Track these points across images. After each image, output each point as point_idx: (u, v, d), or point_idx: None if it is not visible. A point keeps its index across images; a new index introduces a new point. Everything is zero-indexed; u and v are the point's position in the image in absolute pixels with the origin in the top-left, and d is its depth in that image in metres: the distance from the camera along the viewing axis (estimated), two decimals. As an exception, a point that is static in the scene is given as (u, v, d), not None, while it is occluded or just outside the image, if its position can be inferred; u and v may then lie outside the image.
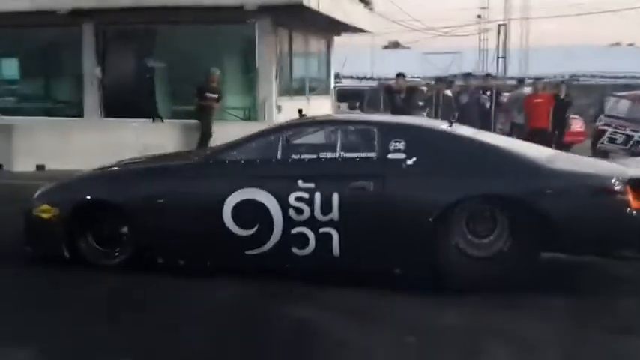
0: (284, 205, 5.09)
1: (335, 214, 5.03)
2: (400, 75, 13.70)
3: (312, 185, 5.08)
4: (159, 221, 5.39)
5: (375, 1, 20.29)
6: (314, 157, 5.29)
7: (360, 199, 5.02)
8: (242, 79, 14.93)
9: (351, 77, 30.17)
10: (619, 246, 4.92)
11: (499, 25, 23.46)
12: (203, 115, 13.15)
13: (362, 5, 18.15)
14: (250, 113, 14.62)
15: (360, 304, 4.67)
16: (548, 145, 11.89)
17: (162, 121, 14.23)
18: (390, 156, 5.11)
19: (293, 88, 16.06)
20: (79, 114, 15.08)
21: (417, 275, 5.08)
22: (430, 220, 4.88)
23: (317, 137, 5.77)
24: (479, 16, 32.30)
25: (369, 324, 4.33)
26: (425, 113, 13.98)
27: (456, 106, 14.34)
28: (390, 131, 5.28)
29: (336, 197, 5.02)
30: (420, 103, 14.10)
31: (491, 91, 15.37)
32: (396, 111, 13.33)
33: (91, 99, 15.02)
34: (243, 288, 4.98)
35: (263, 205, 5.14)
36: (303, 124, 6.08)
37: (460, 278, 4.97)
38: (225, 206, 5.20)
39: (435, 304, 4.69)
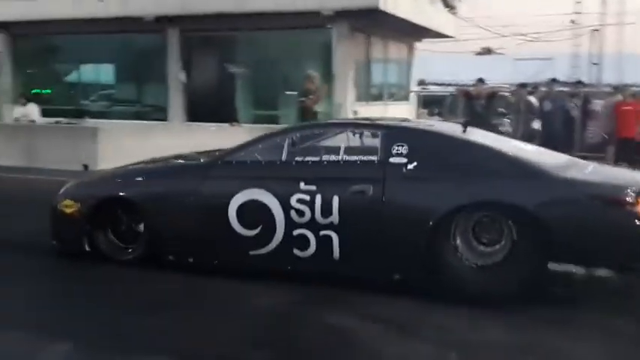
0: (286, 207, 5.05)
1: (335, 217, 4.95)
2: (479, 81, 13.32)
3: (313, 187, 5.02)
4: (168, 219, 5.47)
5: (460, 6, 19.98)
6: (317, 159, 5.27)
7: (360, 202, 4.92)
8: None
9: (437, 84, 29.69)
10: (628, 259, 4.63)
11: (593, 31, 22.39)
12: (305, 118, 13.07)
13: (445, 10, 17.82)
14: (327, 118, 14.60)
15: (403, 314, 4.52)
16: (635, 156, 11.29)
17: (240, 125, 14.47)
18: (391, 160, 4.97)
19: (371, 94, 15.97)
20: (164, 118, 15.64)
21: (417, 282, 4.92)
22: (429, 225, 4.72)
23: (323, 140, 5.68)
24: (572, 22, 30.98)
25: (410, 336, 4.19)
26: (507, 120, 13.51)
27: (540, 113, 13.77)
28: (394, 135, 5.15)
29: (336, 200, 4.94)
30: (501, 110, 13.61)
31: (581, 98, 14.67)
32: (474, 118, 12.94)
33: (176, 103, 15.56)
34: (290, 294, 4.92)
35: (266, 205, 5.12)
36: (310, 126, 6.07)
37: (462, 286, 4.77)
38: (230, 206, 5.21)
39: (481, 317, 4.47)
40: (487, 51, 51.19)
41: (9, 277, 5.34)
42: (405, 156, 4.93)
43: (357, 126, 5.69)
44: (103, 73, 18.17)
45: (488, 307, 4.57)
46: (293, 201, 5.02)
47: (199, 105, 15.25)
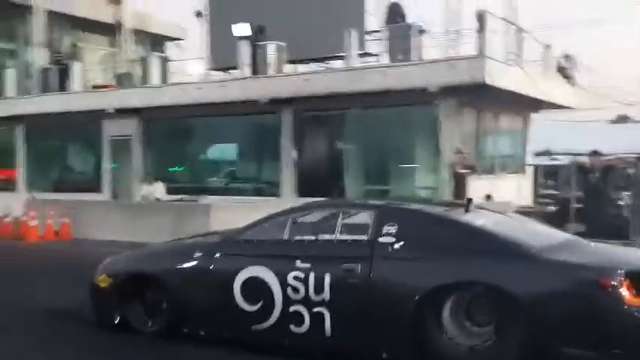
0: (284, 284, 5.22)
1: (326, 294, 5.06)
2: (594, 152, 12.76)
3: (308, 265, 5.17)
4: (183, 294, 5.77)
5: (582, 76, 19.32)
6: (313, 238, 5.45)
7: (349, 280, 5.01)
8: (428, 159, 14.94)
9: (567, 154, 28.42)
10: (608, 345, 4.37)
11: None
12: (457, 188, 13.26)
13: (563, 81, 17.34)
14: (434, 192, 14.50)
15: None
16: None
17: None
18: (380, 239, 5.07)
19: (481, 167, 15.67)
20: (277, 193, 16.20)
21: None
22: (412, 304, 4.73)
23: (321, 220, 5.81)
24: None
25: None
26: (626, 194, 12.75)
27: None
28: (386, 215, 5.28)
29: (327, 278, 5.06)
30: (620, 184, 12.89)
31: None
32: (589, 191, 12.39)
33: (287, 179, 16.11)
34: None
35: (266, 282, 5.31)
36: (310, 207, 6.23)
37: None
38: (235, 282, 5.45)
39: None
40: (623, 119, 48.72)
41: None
42: (394, 235, 5.02)
43: (354, 206, 6.04)
44: (227, 152, 19.23)
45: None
46: (290, 278, 5.21)
47: (310, 181, 15.66)
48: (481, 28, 13.14)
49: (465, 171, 13.34)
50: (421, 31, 14.74)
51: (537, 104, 16.93)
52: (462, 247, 4.92)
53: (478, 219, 5.39)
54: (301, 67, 17.72)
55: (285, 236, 5.59)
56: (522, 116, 18.01)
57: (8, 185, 21.21)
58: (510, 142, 17.71)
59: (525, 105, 16.68)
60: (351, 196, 14.86)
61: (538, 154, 20.05)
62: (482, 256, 4.82)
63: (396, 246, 5.01)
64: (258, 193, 16.74)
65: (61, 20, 22.33)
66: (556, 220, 12.92)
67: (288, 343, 5.32)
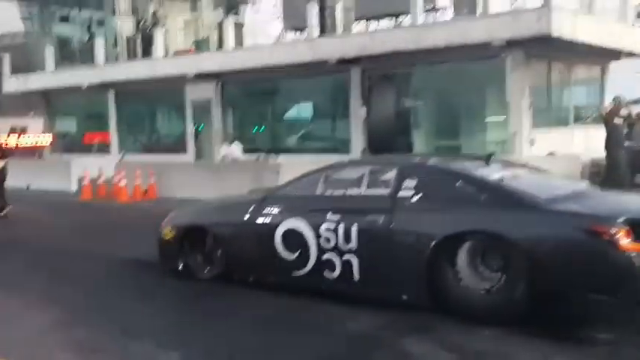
0: (317, 234, 5.80)
1: (354, 243, 5.60)
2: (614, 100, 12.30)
3: (338, 217, 5.72)
4: (233, 244, 6.47)
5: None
6: (342, 193, 6.01)
7: (373, 230, 5.52)
8: (494, 113, 14.93)
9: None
10: (606, 286, 4.70)
11: None
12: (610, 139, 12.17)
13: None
14: (503, 147, 14.52)
15: (478, 344, 4.72)
16: None
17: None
18: (400, 193, 5.55)
19: (553, 120, 15.48)
20: (347, 151, 16.66)
21: (420, 303, 5.33)
22: (428, 251, 5.17)
23: (350, 176, 6.22)
24: None
25: None
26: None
27: None
28: (406, 171, 5.73)
29: (354, 228, 5.59)
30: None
31: None
32: None
33: (357, 137, 16.56)
34: (375, 319, 5.38)
35: (302, 233, 5.91)
36: (342, 165, 6.72)
37: (460, 308, 5.15)
38: (276, 234, 6.08)
39: (560, 349, 4.52)
40: None
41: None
42: (412, 189, 5.48)
43: (379, 163, 6.55)
44: (299, 112, 19.81)
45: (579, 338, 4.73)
46: (322, 229, 5.76)
47: (378, 138, 16.04)
48: (546, -22, 12.88)
49: (618, 122, 12.26)
50: (486, -16, 14.55)
51: (616, 53, 16.40)
52: (472, 199, 5.29)
53: (493, 173, 5.67)
54: (372, 25, 17.91)
55: (319, 192, 6.14)
56: (600, 65, 17.50)
57: (103, 147, 22.86)
58: (586, 93, 17.27)
59: (602, 54, 16.20)
60: (419, 152, 15.14)
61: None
62: (490, 206, 5.19)
63: (414, 199, 5.45)
64: (330, 150, 17.24)
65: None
66: (627, 171, 12.74)
67: (324, 287, 5.89)
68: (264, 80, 18.44)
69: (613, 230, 4.58)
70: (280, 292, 6.10)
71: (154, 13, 23.47)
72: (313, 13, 16.58)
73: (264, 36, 22.38)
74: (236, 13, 22.58)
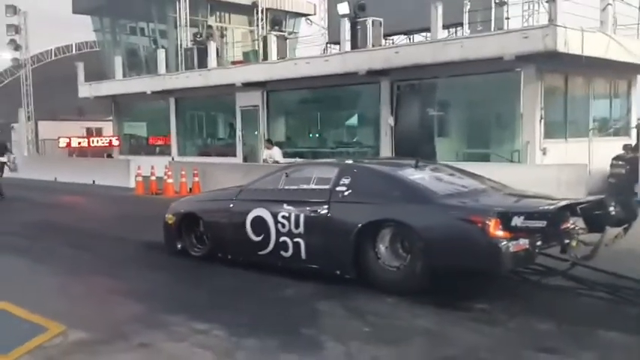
0: (276, 221, 7.14)
1: (302, 228, 6.93)
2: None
3: (291, 207, 7.07)
4: (215, 229, 8.00)
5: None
6: (296, 187, 7.37)
7: (315, 218, 6.83)
8: (509, 124, 15.79)
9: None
10: (480, 265, 5.88)
11: None
12: None
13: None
14: (515, 156, 15.36)
15: (370, 307, 5.94)
16: None
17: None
18: (337, 188, 6.85)
19: (570, 131, 16.12)
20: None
21: (349, 277, 6.59)
22: (353, 235, 6.43)
23: (305, 174, 7.55)
24: None
25: (361, 319, 5.62)
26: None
27: None
28: (344, 170, 7.05)
29: (302, 216, 6.95)
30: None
31: None
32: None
33: (385, 144, 17.73)
34: (305, 288, 6.68)
35: (265, 220, 7.24)
36: (300, 164, 8.48)
37: (378, 281, 6.38)
38: (247, 220, 7.45)
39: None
40: None
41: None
42: (346, 185, 6.75)
43: (326, 164, 7.89)
44: (335, 120, 21.08)
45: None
46: (279, 217, 7.11)
47: (404, 144, 17.14)
48: (553, -2, 13.71)
49: None
50: (502, 3, 15.45)
51: (639, 67, 16.86)
52: (389, 194, 6.55)
53: (414, 174, 6.89)
54: (398, 40, 19.07)
55: (280, 186, 7.53)
56: (626, 79, 17.97)
57: (165, 149, 24.95)
58: (608, 106, 17.79)
59: (627, 69, 16.70)
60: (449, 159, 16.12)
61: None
62: (400, 200, 6.42)
63: (346, 193, 6.75)
64: (361, 155, 18.49)
65: (203, 3, 25.43)
66: (625, 182, 13.41)
67: (280, 264, 7.24)
68: (303, 89, 19.90)
69: (485, 220, 5.72)
70: (250, 267, 7.50)
71: (209, 27, 25.39)
72: (346, 28, 17.92)
73: (317, 48, 23.90)
74: (280, 29, 24.10)
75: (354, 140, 19.66)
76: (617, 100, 18.06)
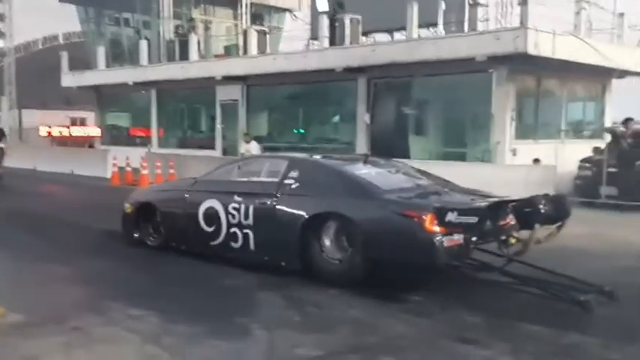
0: (227, 212, 7.20)
1: (251, 220, 7.02)
2: (628, 120, 13.17)
3: (241, 199, 7.11)
4: (169, 219, 8.03)
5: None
6: (246, 179, 7.42)
7: (263, 210, 6.91)
8: (481, 124, 15.94)
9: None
10: (414, 256, 5.96)
11: None
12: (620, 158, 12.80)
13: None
14: (486, 156, 15.53)
15: (309, 296, 6.06)
16: None
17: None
18: (285, 181, 6.93)
19: (540, 132, 16.32)
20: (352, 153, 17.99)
21: (295, 268, 6.68)
22: (298, 227, 6.52)
23: (255, 167, 7.65)
24: None
25: (298, 307, 5.74)
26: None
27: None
28: (293, 164, 7.15)
29: (251, 208, 7.01)
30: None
31: None
32: (621, 156, 12.91)
33: (361, 140, 17.86)
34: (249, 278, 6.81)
35: (217, 211, 7.27)
36: (251, 158, 8.66)
37: (322, 273, 6.46)
38: (199, 211, 7.49)
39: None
40: None
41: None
42: (294, 178, 6.83)
43: (276, 157, 7.82)
44: (312, 115, 21.16)
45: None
46: (230, 208, 7.15)
47: (379, 142, 17.30)
48: (524, 1, 13.87)
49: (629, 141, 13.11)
50: (475, 4, 15.60)
51: (617, 71, 17.04)
52: (334, 188, 6.67)
53: (360, 169, 7.00)
54: (378, 38, 19.19)
55: (232, 178, 7.64)
56: (600, 83, 18.17)
57: (146, 141, 24.97)
58: (582, 109, 17.99)
59: (601, 72, 16.88)
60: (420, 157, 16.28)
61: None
62: (344, 194, 6.54)
63: (294, 186, 6.85)
64: (337, 151, 18.60)
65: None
66: (591, 183, 13.58)
67: (230, 255, 7.34)
68: (281, 85, 19.99)
69: (422, 215, 5.85)
70: (202, 258, 7.58)
71: (192, 19, 25.43)
72: (324, 25, 18.03)
73: (300, 43, 23.98)
74: (261, 23, 24.16)
75: (332, 137, 19.76)
76: (591, 103, 18.27)
